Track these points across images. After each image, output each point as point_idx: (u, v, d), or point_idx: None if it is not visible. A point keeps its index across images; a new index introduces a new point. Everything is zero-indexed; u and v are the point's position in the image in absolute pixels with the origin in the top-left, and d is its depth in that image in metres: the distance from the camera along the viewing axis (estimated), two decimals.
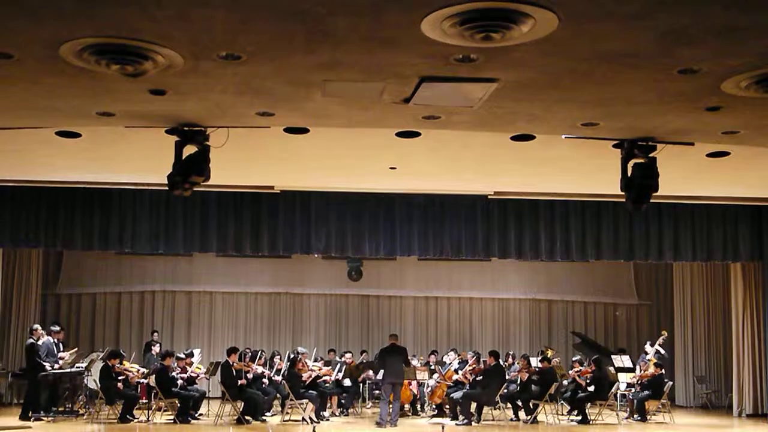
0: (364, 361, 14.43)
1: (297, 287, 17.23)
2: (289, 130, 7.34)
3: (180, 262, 16.72)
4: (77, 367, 12.56)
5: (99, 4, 4.05)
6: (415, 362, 14.22)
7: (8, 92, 5.80)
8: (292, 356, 12.77)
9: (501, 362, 13.07)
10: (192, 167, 6.71)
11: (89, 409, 12.64)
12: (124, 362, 12.50)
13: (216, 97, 5.88)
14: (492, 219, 12.25)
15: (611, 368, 13.41)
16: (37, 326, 12.48)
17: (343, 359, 14.07)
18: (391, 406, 11.86)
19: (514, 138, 7.57)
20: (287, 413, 12.71)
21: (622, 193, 7.23)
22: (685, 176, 9.51)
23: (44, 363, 11.85)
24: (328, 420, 12.59)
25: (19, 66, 5.09)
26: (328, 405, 13.21)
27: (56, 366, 12.07)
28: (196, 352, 14.34)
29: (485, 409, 12.88)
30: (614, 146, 7.38)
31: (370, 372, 13.91)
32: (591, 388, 12.89)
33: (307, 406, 12.12)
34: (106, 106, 6.21)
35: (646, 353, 14.45)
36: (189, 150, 6.79)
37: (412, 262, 16.64)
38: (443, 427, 11.72)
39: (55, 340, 12.48)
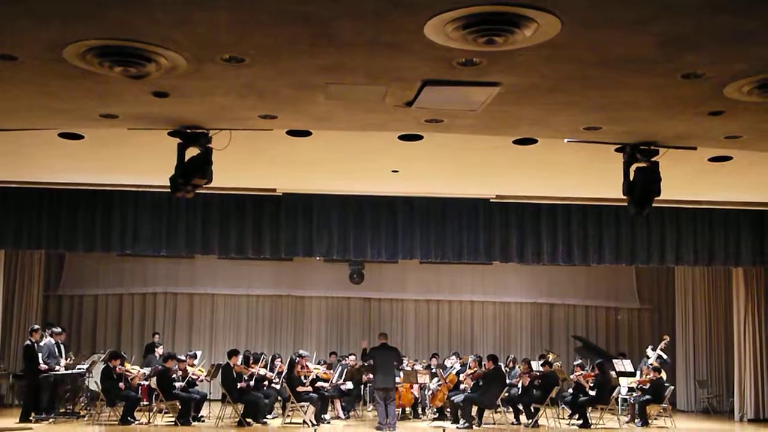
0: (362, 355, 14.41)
1: (298, 290, 17.25)
2: (292, 133, 7.34)
3: (182, 264, 16.73)
4: (78, 369, 12.55)
5: (103, 6, 4.06)
6: (416, 365, 14.21)
7: (11, 94, 5.80)
8: (290, 359, 12.77)
9: (501, 365, 13.06)
10: (194, 169, 6.71)
11: (90, 410, 12.64)
12: (126, 364, 12.51)
13: (219, 100, 5.88)
14: (494, 222, 12.23)
15: (613, 372, 13.40)
16: (37, 327, 12.47)
17: (346, 362, 14.05)
18: (387, 409, 11.81)
19: (517, 142, 7.57)
20: (288, 416, 12.71)
21: (625, 197, 7.23)
22: (688, 181, 9.49)
23: (41, 364, 11.84)
24: (328, 423, 12.58)
25: (22, 68, 5.09)
26: (331, 408, 13.19)
27: (56, 368, 12.06)
28: (198, 354, 14.34)
29: (486, 413, 12.88)
30: (617, 150, 7.37)
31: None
32: (593, 393, 12.88)
33: (307, 408, 12.12)
34: (109, 108, 6.21)
35: (648, 357, 14.44)
36: (191, 152, 6.80)
37: (414, 265, 16.62)
38: (444, 431, 11.72)
39: (57, 341, 12.49)
